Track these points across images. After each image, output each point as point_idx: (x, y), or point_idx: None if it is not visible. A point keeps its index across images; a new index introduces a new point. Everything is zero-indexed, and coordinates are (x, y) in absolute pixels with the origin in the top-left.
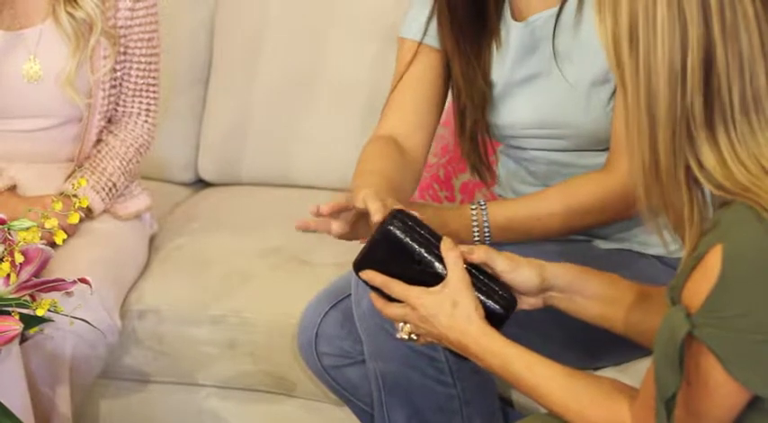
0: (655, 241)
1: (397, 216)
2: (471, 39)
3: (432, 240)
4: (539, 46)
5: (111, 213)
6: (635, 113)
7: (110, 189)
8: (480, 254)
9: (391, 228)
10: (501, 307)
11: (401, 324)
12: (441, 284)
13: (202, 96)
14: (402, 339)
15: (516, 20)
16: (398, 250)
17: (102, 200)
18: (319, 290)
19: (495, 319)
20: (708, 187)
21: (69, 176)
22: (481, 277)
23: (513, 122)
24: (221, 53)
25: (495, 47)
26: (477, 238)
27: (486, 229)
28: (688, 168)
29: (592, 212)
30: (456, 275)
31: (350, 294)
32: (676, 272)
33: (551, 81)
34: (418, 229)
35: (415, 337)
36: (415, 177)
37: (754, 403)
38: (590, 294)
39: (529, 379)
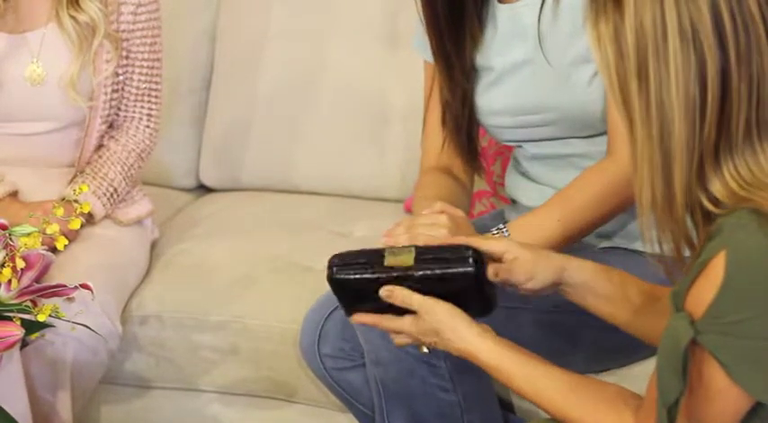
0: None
1: (335, 264)
2: (451, 37)
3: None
4: (525, 32)
5: (112, 219)
6: (646, 149)
7: (111, 195)
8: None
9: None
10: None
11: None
12: (414, 317)
13: (204, 102)
14: (428, 352)
15: (501, 2)
16: (356, 290)
17: (104, 205)
18: (321, 295)
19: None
20: (710, 208)
21: (71, 182)
22: (431, 256)
23: (499, 109)
24: (223, 59)
25: (480, 36)
26: None
27: None
28: (698, 197)
29: (606, 201)
30: (414, 304)
31: None
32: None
33: (536, 68)
34: (357, 257)
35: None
36: (467, 198)
37: (754, 410)
38: (600, 293)
39: (530, 389)
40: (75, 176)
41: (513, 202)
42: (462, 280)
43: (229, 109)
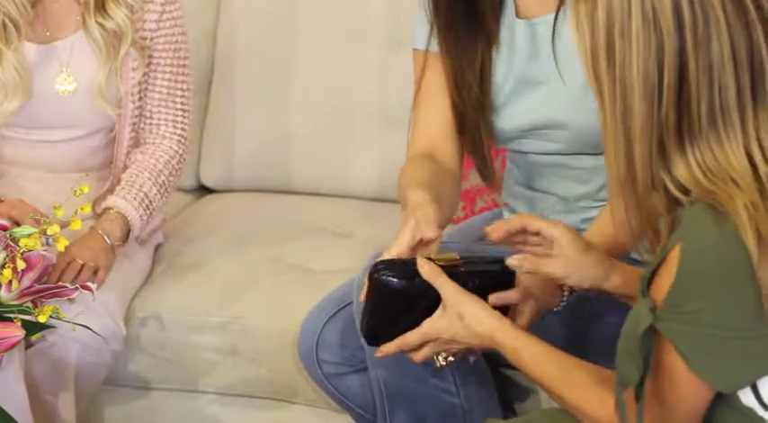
0: None
1: (381, 268)
2: (465, 41)
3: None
4: (541, 50)
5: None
6: (611, 127)
7: (142, 199)
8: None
9: (386, 279)
10: (498, 270)
11: (434, 356)
12: (440, 307)
13: (205, 103)
14: (443, 367)
15: (520, 17)
16: (399, 297)
17: (135, 209)
18: (321, 297)
19: (504, 281)
20: (677, 194)
21: (102, 195)
22: (463, 269)
23: (514, 127)
24: (223, 60)
25: (495, 49)
26: (564, 299)
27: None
28: (661, 178)
29: None
30: (445, 291)
31: (351, 302)
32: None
33: (551, 85)
34: (403, 265)
35: (452, 359)
36: (456, 185)
37: (726, 400)
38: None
39: (535, 368)
40: (106, 192)
41: (513, 211)
42: (500, 279)
43: (230, 110)
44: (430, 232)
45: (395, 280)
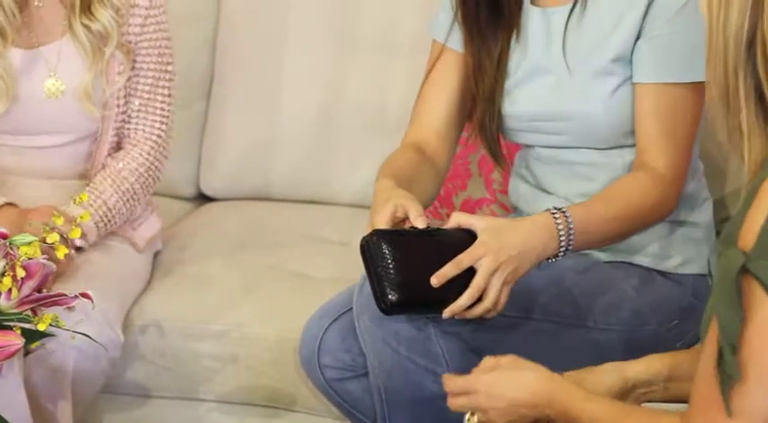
0: (655, 253)
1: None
2: (487, 29)
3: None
4: (553, 39)
5: (132, 244)
6: (712, 37)
7: (100, 206)
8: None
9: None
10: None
11: (467, 415)
12: (493, 361)
13: (204, 111)
14: None
15: (534, 5)
16: (404, 246)
17: (91, 215)
18: (319, 305)
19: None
20: None
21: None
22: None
23: (521, 112)
24: (223, 68)
25: (514, 37)
26: (562, 246)
27: (571, 234)
28: (759, 93)
29: (650, 213)
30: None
31: (352, 308)
32: (677, 285)
33: (558, 76)
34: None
35: None
36: (436, 177)
37: None
38: (682, 376)
39: (591, 414)
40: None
41: (515, 209)
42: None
43: (229, 118)
44: (412, 208)
45: (386, 236)
